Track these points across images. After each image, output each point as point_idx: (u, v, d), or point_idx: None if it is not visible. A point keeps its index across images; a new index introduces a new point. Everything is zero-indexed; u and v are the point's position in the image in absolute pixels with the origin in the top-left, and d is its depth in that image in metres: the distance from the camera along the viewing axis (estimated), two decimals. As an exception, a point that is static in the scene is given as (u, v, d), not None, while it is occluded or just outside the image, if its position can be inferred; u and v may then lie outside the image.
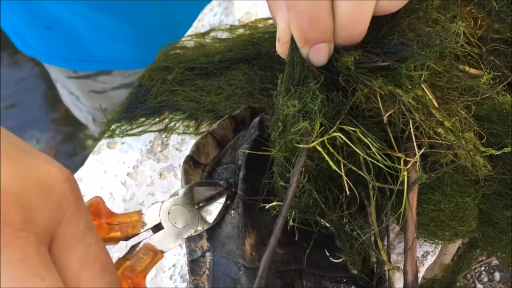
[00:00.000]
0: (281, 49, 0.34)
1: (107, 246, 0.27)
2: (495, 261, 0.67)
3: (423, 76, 0.36)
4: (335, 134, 0.32)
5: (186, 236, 0.36)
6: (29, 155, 0.24)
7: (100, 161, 0.53)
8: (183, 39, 0.57)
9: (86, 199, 0.52)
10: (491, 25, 0.43)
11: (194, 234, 0.36)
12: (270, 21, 0.55)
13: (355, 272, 0.41)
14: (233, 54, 0.53)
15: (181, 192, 0.37)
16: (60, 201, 0.24)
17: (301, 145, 0.31)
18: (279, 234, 0.28)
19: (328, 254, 0.40)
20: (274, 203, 0.35)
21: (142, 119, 0.54)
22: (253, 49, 0.53)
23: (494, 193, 0.47)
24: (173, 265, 0.49)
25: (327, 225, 0.39)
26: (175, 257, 0.49)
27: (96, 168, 0.53)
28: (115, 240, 0.34)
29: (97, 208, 0.33)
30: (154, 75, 0.54)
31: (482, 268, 0.68)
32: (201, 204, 0.39)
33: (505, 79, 0.43)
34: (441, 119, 0.38)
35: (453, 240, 0.46)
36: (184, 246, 0.49)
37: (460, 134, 0.39)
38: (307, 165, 0.34)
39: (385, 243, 0.43)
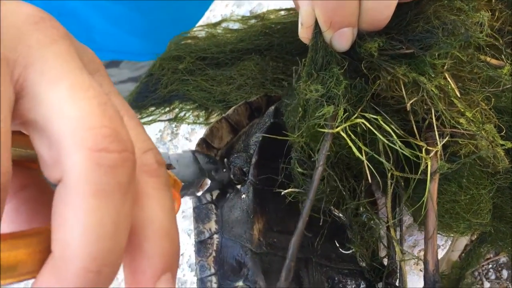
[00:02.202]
0: (304, 33, 0.34)
1: None
2: (503, 259, 0.67)
3: (446, 64, 0.36)
4: (358, 120, 0.32)
5: (195, 178, 0.35)
6: None
7: (110, 149, 0.53)
8: (194, 29, 0.57)
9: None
10: (508, 18, 0.43)
11: (201, 186, 0.36)
12: (282, 12, 0.55)
13: (364, 264, 0.41)
14: (244, 45, 0.53)
15: (185, 151, 0.37)
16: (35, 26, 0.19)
17: (326, 130, 0.31)
18: (307, 217, 0.28)
19: (337, 245, 0.40)
20: (290, 189, 0.35)
21: (152, 108, 0.54)
22: (265, 39, 0.53)
23: (509, 187, 0.47)
24: (181, 254, 0.49)
25: (340, 215, 0.38)
26: (183, 246, 0.49)
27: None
28: None
29: None
30: (165, 64, 0.54)
31: (490, 266, 0.68)
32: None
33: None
34: (462, 109, 0.38)
35: (466, 233, 0.45)
36: (192, 236, 0.49)
37: (481, 125, 0.39)
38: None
39: (398, 235, 0.42)
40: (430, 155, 0.36)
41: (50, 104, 0.18)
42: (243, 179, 0.40)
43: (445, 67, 0.36)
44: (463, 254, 0.56)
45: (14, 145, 0.20)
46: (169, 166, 0.33)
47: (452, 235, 0.46)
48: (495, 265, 0.67)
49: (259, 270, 0.35)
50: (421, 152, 0.37)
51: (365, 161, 0.33)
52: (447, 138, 0.37)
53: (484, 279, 0.67)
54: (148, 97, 0.54)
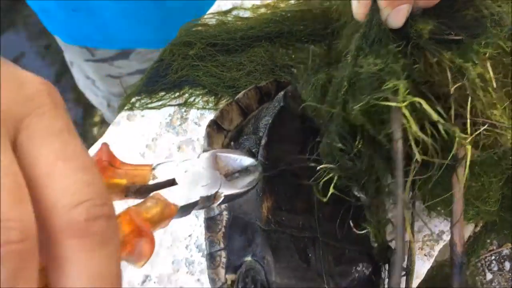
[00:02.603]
0: (361, 9, 0.35)
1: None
2: (505, 251, 0.67)
3: (488, 54, 0.36)
4: (417, 99, 0.32)
5: (204, 195, 0.34)
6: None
7: (120, 131, 0.54)
8: (205, 16, 0.57)
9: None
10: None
11: (213, 195, 0.36)
12: (292, 1, 0.56)
13: (376, 244, 0.41)
14: (255, 32, 0.54)
15: (203, 155, 0.37)
16: (31, 96, 0.20)
17: (393, 103, 0.31)
18: (402, 194, 0.28)
19: (352, 225, 0.40)
20: (324, 165, 0.36)
21: (162, 93, 0.55)
22: (275, 27, 0.53)
23: None
24: (189, 235, 0.49)
25: (361, 195, 0.39)
26: (191, 227, 0.50)
27: (115, 138, 0.54)
28: (120, 190, 0.29)
29: (102, 151, 0.28)
30: (175, 50, 0.54)
31: (493, 257, 0.68)
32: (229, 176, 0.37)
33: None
34: (495, 101, 0.39)
35: (473, 220, 0.46)
36: (200, 218, 0.49)
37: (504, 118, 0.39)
38: (364, 130, 0.34)
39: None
40: (468, 140, 0.36)
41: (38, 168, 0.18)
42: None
43: (487, 55, 0.36)
44: (467, 243, 0.56)
45: None
46: (169, 183, 0.30)
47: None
48: (497, 257, 0.67)
49: (268, 247, 0.35)
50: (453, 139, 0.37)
51: (427, 139, 0.34)
52: (483, 127, 0.38)
53: (486, 270, 0.67)
54: (158, 82, 0.55)
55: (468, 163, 0.39)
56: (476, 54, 0.36)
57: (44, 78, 0.22)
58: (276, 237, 0.37)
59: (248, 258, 0.35)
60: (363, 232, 0.39)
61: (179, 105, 0.54)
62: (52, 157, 0.19)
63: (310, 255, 0.37)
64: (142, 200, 0.28)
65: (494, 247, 0.67)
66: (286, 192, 0.40)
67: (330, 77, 0.39)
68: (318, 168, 0.36)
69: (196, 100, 0.54)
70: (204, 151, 0.38)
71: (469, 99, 0.37)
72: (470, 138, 0.38)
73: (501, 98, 0.39)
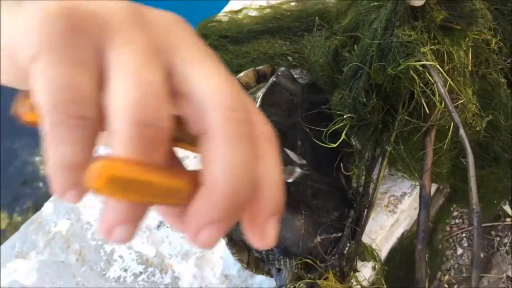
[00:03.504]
0: None
1: None
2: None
3: (471, 41, 0.46)
4: (434, 64, 0.42)
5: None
6: None
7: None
8: (219, 14, 0.69)
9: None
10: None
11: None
12: (293, 4, 0.67)
13: (355, 185, 0.51)
14: (259, 27, 0.65)
15: None
16: (174, 28, 0.24)
17: (427, 62, 0.41)
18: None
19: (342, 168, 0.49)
20: (349, 115, 0.46)
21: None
22: (276, 23, 0.64)
23: (473, 154, 0.57)
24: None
25: (356, 143, 0.49)
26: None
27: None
28: None
29: None
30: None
31: (464, 235, 0.76)
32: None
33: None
34: (467, 82, 0.48)
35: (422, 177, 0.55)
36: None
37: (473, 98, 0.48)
38: (381, 89, 0.44)
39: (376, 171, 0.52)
40: (442, 107, 0.45)
41: (193, 79, 0.22)
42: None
43: (470, 43, 0.46)
44: (434, 214, 0.65)
45: None
46: None
47: (414, 181, 0.56)
48: (468, 235, 0.76)
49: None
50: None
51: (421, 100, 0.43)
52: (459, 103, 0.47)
53: (457, 246, 0.75)
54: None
55: (434, 126, 0.49)
56: (464, 40, 0.46)
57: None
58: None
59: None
60: (349, 173, 0.49)
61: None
62: (206, 73, 0.22)
63: (291, 187, 0.47)
64: None
65: (465, 226, 0.76)
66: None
67: (343, 42, 0.49)
68: (345, 116, 0.45)
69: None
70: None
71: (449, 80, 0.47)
72: (437, 111, 0.47)
73: (472, 79, 0.49)
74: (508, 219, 0.74)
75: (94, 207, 0.59)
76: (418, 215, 0.46)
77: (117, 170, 0.19)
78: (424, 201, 0.44)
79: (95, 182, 0.19)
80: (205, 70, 0.23)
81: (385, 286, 0.48)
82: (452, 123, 0.50)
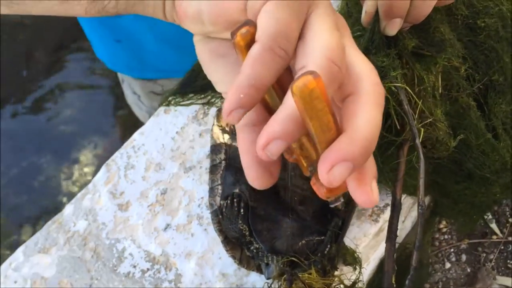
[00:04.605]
0: (366, 19, 0.46)
1: None
2: (463, 245, 0.80)
3: (441, 67, 0.52)
4: (402, 86, 0.48)
5: None
6: None
7: (158, 121, 0.72)
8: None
9: (145, 148, 0.70)
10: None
11: None
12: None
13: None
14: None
15: None
16: None
17: (398, 84, 0.48)
18: None
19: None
20: None
21: (191, 94, 0.73)
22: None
23: (448, 171, 0.62)
24: (201, 197, 0.66)
25: None
26: (204, 192, 0.67)
27: (154, 126, 0.72)
28: None
29: None
30: (204, 64, 0.73)
31: (452, 250, 0.80)
32: None
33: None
34: (438, 104, 0.54)
35: (405, 191, 0.61)
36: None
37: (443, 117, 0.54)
38: None
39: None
40: (421, 124, 0.51)
41: (355, 59, 0.32)
42: None
43: (440, 69, 0.52)
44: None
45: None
46: None
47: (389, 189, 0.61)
48: (456, 250, 0.80)
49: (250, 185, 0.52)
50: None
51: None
52: (428, 120, 0.52)
53: (446, 260, 0.79)
54: (189, 86, 0.73)
55: (407, 144, 0.54)
56: (435, 66, 0.52)
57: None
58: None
59: (236, 190, 0.52)
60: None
61: (203, 104, 0.72)
62: (362, 58, 0.31)
63: (281, 193, 0.53)
64: None
65: (454, 242, 0.80)
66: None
67: None
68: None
69: (216, 101, 0.72)
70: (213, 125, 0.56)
71: (421, 101, 0.53)
72: (418, 126, 0.53)
73: (443, 101, 0.54)
74: (494, 236, 0.78)
75: (109, 210, 0.66)
76: (389, 218, 0.51)
77: (318, 86, 0.24)
78: (394, 206, 0.49)
79: (302, 87, 0.24)
80: (360, 53, 0.32)
81: (364, 286, 0.54)
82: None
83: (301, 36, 0.30)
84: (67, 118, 1.94)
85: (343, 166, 0.26)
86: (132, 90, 1.15)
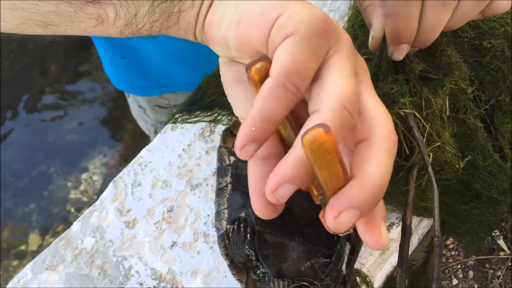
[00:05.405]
0: (374, 44, 0.46)
1: None
2: (470, 262, 0.79)
3: (448, 90, 0.52)
4: (411, 112, 0.48)
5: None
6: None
7: (165, 138, 0.73)
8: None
9: (152, 165, 0.70)
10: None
11: None
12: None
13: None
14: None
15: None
16: (339, 33, 0.33)
17: (408, 110, 0.48)
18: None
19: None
20: None
21: (198, 112, 0.74)
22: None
23: (456, 191, 0.62)
24: (208, 215, 0.67)
25: None
26: (210, 210, 0.67)
27: (161, 143, 0.72)
28: None
29: None
30: (210, 81, 0.74)
31: (459, 266, 0.80)
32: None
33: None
34: (446, 126, 0.54)
35: (415, 213, 0.61)
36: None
37: (451, 140, 0.54)
38: None
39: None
40: (429, 149, 0.51)
41: (370, 104, 0.32)
42: None
43: (447, 92, 0.52)
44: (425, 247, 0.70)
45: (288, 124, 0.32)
46: None
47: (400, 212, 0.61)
48: (463, 266, 0.79)
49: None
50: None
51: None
52: (436, 144, 0.53)
53: (453, 277, 0.79)
54: (196, 104, 0.74)
55: (416, 166, 0.54)
56: (442, 89, 0.52)
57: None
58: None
59: (242, 214, 0.52)
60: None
61: (209, 121, 0.73)
62: (377, 101, 0.33)
63: (287, 216, 0.53)
64: None
65: (461, 258, 0.79)
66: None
67: None
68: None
69: (223, 119, 0.72)
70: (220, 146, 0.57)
71: (429, 124, 0.52)
72: (427, 150, 0.53)
73: (450, 123, 0.54)
74: (502, 253, 0.77)
75: (116, 227, 0.67)
76: (400, 243, 0.51)
77: (329, 140, 0.25)
78: (404, 231, 0.49)
79: (311, 142, 0.25)
80: (376, 99, 0.32)
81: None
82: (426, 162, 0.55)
83: (318, 76, 0.31)
84: (76, 128, 1.95)
85: (351, 213, 0.26)
86: (138, 104, 1.16)
